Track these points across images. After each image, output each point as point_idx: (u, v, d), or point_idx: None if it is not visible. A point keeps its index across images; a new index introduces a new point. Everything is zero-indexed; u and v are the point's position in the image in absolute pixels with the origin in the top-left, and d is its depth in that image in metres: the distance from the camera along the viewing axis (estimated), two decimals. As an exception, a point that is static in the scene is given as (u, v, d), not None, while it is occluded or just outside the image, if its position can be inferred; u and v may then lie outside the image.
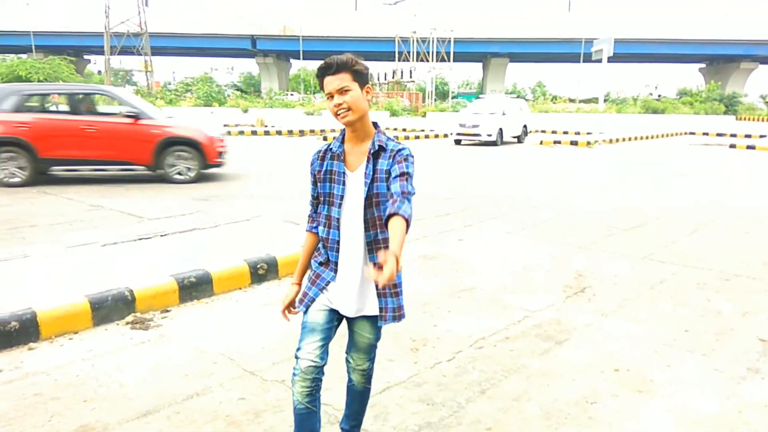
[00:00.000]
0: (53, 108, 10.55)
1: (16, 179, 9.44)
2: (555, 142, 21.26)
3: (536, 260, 5.74)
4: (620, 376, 3.38)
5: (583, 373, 3.41)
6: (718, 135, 26.13)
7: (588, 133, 25.17)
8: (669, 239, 6.66)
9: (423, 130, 25.61)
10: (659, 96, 56.30)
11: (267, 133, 23.22)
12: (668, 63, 79.47)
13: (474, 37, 64.18)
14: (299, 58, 69.67)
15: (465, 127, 20.14)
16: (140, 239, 5.86)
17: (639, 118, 38.55)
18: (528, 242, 6.48)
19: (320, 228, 2.26)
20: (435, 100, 53.68)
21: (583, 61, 49.62)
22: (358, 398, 2.53)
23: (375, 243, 2.19)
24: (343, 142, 2.22)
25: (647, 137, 25.03)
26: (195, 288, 4.50)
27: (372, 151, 2.16)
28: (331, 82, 2.08)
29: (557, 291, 4.83)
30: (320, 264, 2.29)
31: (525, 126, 22.06)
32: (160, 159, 9.93)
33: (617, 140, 22.76)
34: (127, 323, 4.03)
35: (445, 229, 7.01)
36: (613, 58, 29.09)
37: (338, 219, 2.19)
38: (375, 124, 2.23)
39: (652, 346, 3.78)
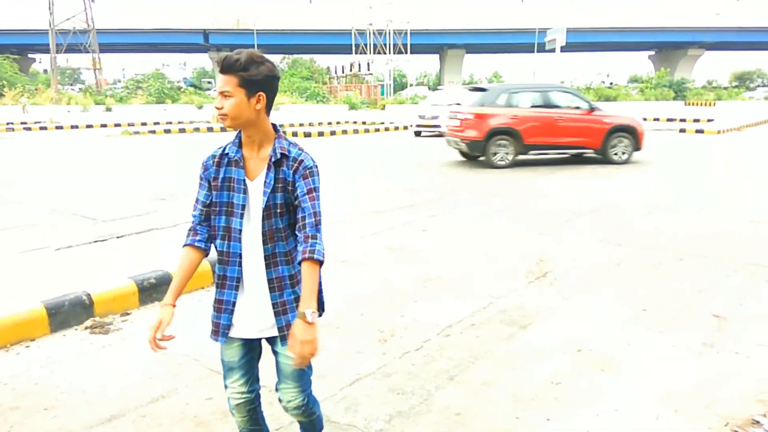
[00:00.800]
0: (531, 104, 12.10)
1: (503, 162, 11.73)
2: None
3: (499, 247, 5.83)
4: (583, 356, 3.47)
5: (548, 355, 3.49)
6: (669, 120, 26.97)
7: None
8: (624, 222, 6.86)
9: (383, 123, 25.62)
10: (611, 83, 57.84)
11: (223, 129, 22.83)
12: (619, 51, 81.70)
13: (430, 29, 64.51)
14: (254, 53, 68.41)
15: (425, 119, 20.23)
16: (96, 242, 5.69)
17: (592, 106, 39.48)
18: (490, 229, 6.57)
19: (217, 241, 2.03)
20: (395, 91, 53.79)
21: (538, 51, 50.45)
22: (308, 429, 2.30)
23: (273, 257, 1.99)
24: (240, 146, 2.00)
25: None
26: (155, 289, 4.39)
27: (273, 159, 1.96)
28: (220, 82, 1.89)
29: (520, 276, 4.92)
30: (218, 285, 2.06)
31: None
32: (607, 144, 12.07)
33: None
34: (86, 328, 3.91)
35: (409, 220, 7.04)
36: (567, 48, 29.67)
37: (239, 230, 1.98)
38: (275, 127, 2.02)
39: (612, 327, 3.89)
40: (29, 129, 23.55)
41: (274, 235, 1.98)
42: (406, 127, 23.27)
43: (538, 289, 4.64)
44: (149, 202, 7.90)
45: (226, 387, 2.14)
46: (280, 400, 2.14)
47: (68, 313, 3.91)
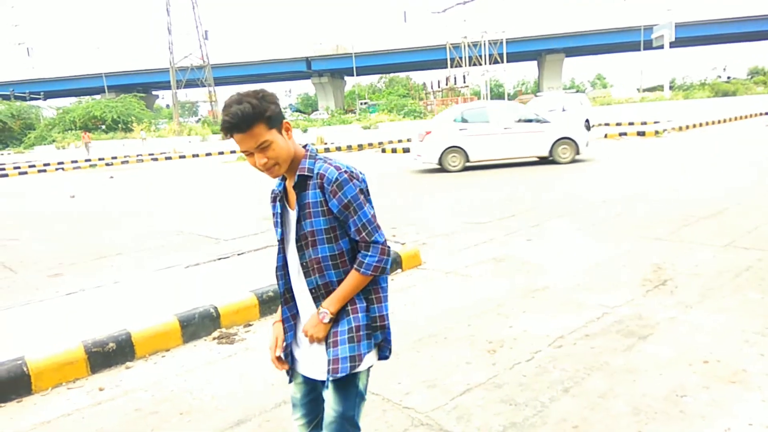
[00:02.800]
0: None
1: None
2: (620, 134, 20.56)
3: (610, 256, 5.59)
4: (710, 368, 3.25)
5: (670, 367, 3.30)
6: (798, 113, 24.47)
7: (655, 122, 24.18)
8: (751, 225, 6.32)
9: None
10: (729, 78, 53.41)
11: (327, 150, 23.72)
12: (736, 43, 75.22)
13: (527, 36, 63.21)
14: (353, 75, 70.83)
15: (524, 128, 19.83)
16: (219, 259, 6.15)
17: (708, 103, 36.73)
18: (600, 238, 6.32)
19: (279, 281, 1.97)
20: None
21: (644, 49, 47.80)
22: None
23: (317, 290, 1.86)
24: (284, 179, 1.92)
25: (719, 121, 23.80)
26: (274, 302, 4.67)
27: (294, 183, 1.83)
28: (245, 140, 1.73)
29: (636, 285, 4.69)
30: (284, 320, 1.99)
31: (587, 120, 21.46)
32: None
33: (687, 127, 21.76)
34: (214, 338, 4.24)
35: (511, 230, 6.94)
36: (676, 43, 27.87)
37: (283, 265, 1.94)
38: (305, 147, 1.89)
39: (741, 336, 3.61)
40: (156, 159, 25.82)
41: (314, 266, 1.83)
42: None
43: (656, 298, 4.40)
44: (264, 221, 8.40)
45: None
46: None
47: (198, 325, 4.27)
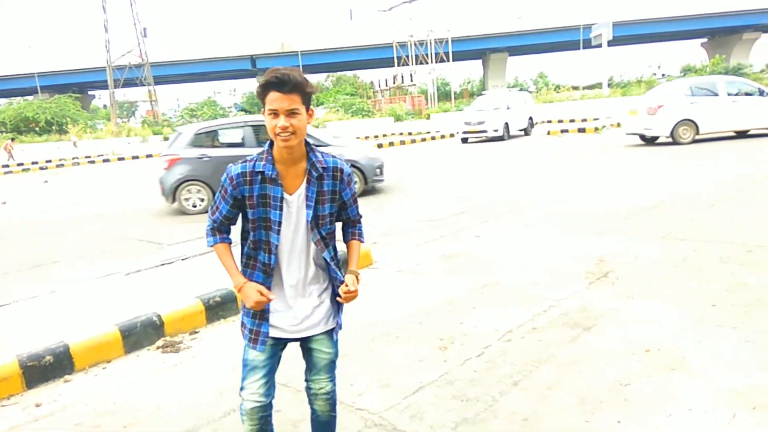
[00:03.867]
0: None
1: None
2: (562, 131, 21.18)
3: (557, 250, 5.73)
4: (652, 356, 3.37)
5: (614, 357, 3.40)
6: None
7: (595, 119, 25.03)
8: (688, 216, 6.61)
9: (429, 132, 25.66)
10: (663, 75, 55.86)
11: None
12: (669, 41, 78.70)
13: (471, 35, 64.14)
14: (300, 73, 69.89)
15: (470, 125, 20.15)
16: (163, 265, 5.95)
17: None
18: (546, 233, 6.47)
19: (260, 254, 2.13)
20: (439, 100, 53.80)
21: (584, 48, 49.31)
22: (323, 429, 2.41)
23: (319, 265, 2.20)
24: (273, 163, 2.07)
25: (655, 117, 24.79)
26: (221, 307, 4.56)
27: (315, 174, 2.09)
28: (281, 100, 1.93)
29: (580, 278, 4.82)
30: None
31: (531, 118, 22.02)
32: None
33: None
34: (158, 348, 4.09)
35: (461, 227, 7.02)
36: (614, 42, 28.91)
37: (276, 245, 2.10)
38: (305, 142, 2.11)
39: (681, 325, 3.76)
40: (93, 162, 24.83)
41: (321, 243, 2.14)
42: (452, 135, 23.22)
43: (599, 290, 4.53)
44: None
45: (242, 392, 2.21)
46: (309, 389, 2.32)
47: (141, 334, 4.11)
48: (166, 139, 37.55)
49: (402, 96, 50.45)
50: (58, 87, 59.30)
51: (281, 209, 2.06)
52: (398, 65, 57.20)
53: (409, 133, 26.76)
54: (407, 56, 56.53)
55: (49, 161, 25.30)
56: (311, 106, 2.05)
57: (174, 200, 9.56)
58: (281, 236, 2.10)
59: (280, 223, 2.08)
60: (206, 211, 10.36)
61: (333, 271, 2.21)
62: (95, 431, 3.06)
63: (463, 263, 5.54)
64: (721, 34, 70.02)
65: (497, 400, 3.04)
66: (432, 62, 55.48)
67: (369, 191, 10.11)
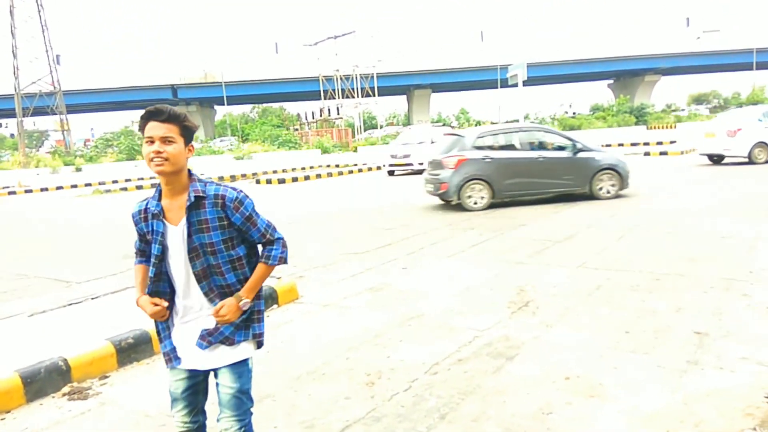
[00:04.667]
0: None
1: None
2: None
3: (479, 280, 5.84)
4: (571, 383, 3.46)
5: (536, 385, 3.47)
6: (633, 145, 27.71)
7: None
8: (600, 247, 6.96)
9: (356, 164, 25.84)
10: (574, 113, 59.37)
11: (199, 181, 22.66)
12: (579, 82, 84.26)
13: (396, 71, 65.91)
14: (223, 104, 69.02)
15: (396, 158, 20.48)
16: (70, 304, 5.55)
17: (558, 136, 40.34)
18: (470, 264, 6.60)
19: (159, 284, 2.20)
20: (365, 131, 54.48)
21: (501, 87, 51.73)
22: None
23: (210, 292, 2.18)
24: (159, 198, 2.17)
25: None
26: (134, 349, 4.28)
27: (189, 203, 2.11)
28: (157, 128, 2.03)
29: (502, 308, 4.93)
30: (161, 317, 2.23)
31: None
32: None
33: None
34: (64, 395, 3.78)
35: (388, 259, 7.04)
36: (528, 82, 30.48)
37: (168, 274, 2.19)
38: (189, 173, 2.18)
39: (597, 351, 3.90)
40: (-4, 194, 23.15)
41: (208, 272, 2.15)
42: (379, 167, 23.49)
43: (521, 319, 4.65)
44: (122, 260, 7.77)
45: (173, 418, 2.30)
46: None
47: (45, 381, 3.78)
48: (78, 170, 35.70)
49: (329, 129, 50.72)
50: (-42, 114, 55.28)
51: (161, 243, 2.14)
52: (325, 98, 57.65)
53: (336, 165, 26.84)
54: (333, 90, 57.15)
55: (-54, 193, 23.34)
56: (192, 143, 2.16)
57: (459, 198, 10.61)
58: (171, 267, 2.17)
59: (157, 257, 2.15)
60: (486, 208, 10.72)
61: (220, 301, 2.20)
62: (-14, 493, 2.76)
63: (389, 296, 5.54)
64: (626, 76, 75.80)
65: (424, 435, 3.01)
66: (358, 96, 56.37)
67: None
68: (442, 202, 11.59)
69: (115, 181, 24.96)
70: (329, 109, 57.88)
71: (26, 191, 24.12)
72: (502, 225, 8.97)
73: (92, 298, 5.75)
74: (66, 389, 3.83)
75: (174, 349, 2.22)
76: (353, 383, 3.68)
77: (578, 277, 5.71)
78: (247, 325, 2.24)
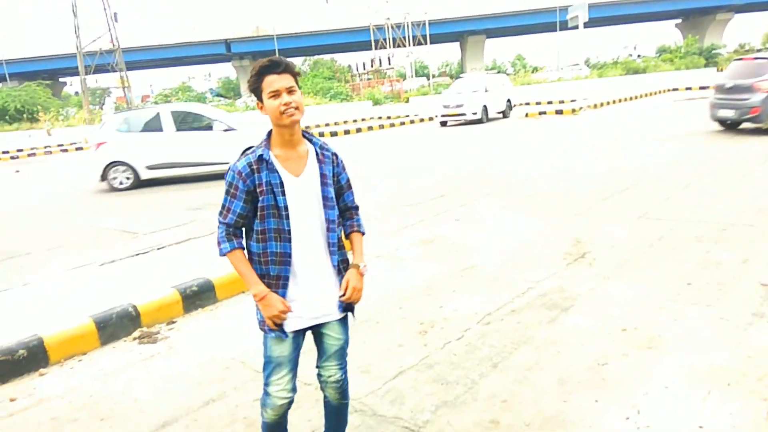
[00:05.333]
0: None
1: None
2: (540, 113, 21.27)
3: (534, 232, 5.76)
4: (628, 335, 3.41)
5: (592, 337, 3.44)
6: (701, 88, 26.17)
7: (572, 101, 25.18)
8: (663, 197, 6.69)
9: (408, 116, 25.57)
10: (639, 56, 56.29)
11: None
12: (644, 22, 79.25)
13: (449, 18, 63.90)
14: (276, 57, 68.91)
15: (449, 108, 20.10)
16: (138, 254, 5.85)
17: (621, 80, 38.48)
18: (525, 215, 6.50)
19: (270, 243, 2.09)
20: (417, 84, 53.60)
21: (560, 30, 49.42)
22: (334, 415, 2.40)
23: (329, 246, 2.15)
24: (270, 149, 2.10)
25: (631, 98, 25.07)
26: (198, 297, 4.50)
27: (318, 155, 2.14)
28: (280, 80, 2.01)
29: (558, 260, 4.86)
30: (271, 287, 2.12)
31: (509, 100, 22.05)
32: None
33: (601, 104, 22.78)
34: (135, 339, 4.03)
35: (441, 211, 7.01)
36: (590, 23, 28.97)
37: (288, 230, 2.08)
38: None
39: (656, 303, 3.81)
40: (66, 150, 24.30)
41: (329, 226, 2.14)
42: (431, 118, 23.17)
43: (577, 271, 4.57)
44: (186, 212, 8.07)
45: (267, 387, 2.20)
46: (320, 377, 2.30)
47: (116, 326, 4.04)
48: (140, 126, 36.90)
49: (380, 80, 50.12)
50: (27, 74, 57.76)
51: (284, 194, 2.06)
52: (376, 48, 56.73)
53: (388, 117, 26.64)
54: (384, 39, 56.08)
55: (21, 150, 24.67)
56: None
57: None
58: (291, 221, 2.08)
59: (286, 207, 2.07)
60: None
61: (337, 257, 2.20)
62: (72, 425, 3.01)
63: (442, 248, 5.54)
64: (695, 14, 70.67)
65: (477, 382, 3.05)
66: (410, 45, 55.15)
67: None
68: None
69: (174, 136, 25.69)
70: (380, 60, 57.04)
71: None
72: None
73: (158, 249, 6.03)
74: (136, 333, 4.08)
75: (283, 323, 2.14)
76: (406, 332, 3.75)
77: (639, 229, 5.53)
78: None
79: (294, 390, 2.23)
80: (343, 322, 2.26)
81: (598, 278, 4.36)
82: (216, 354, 3.69)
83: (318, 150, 2.14)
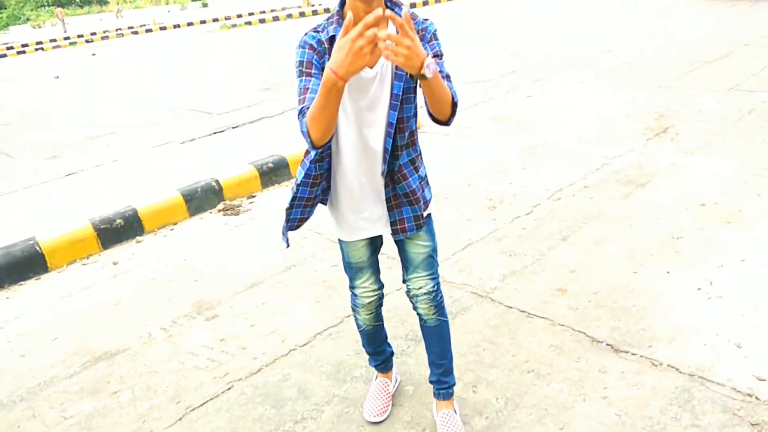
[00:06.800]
0: None
1: None
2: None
3: (613, 106, 5.49)
4: (707, 210, 3.32)
5: (668, 211, 3.37)
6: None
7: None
8: (757, 67, 6.13)
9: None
10: None
11: (315, 12, 22.44)
12: None
13: None
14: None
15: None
16: (215, 133, 6.07)
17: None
18: (603, 89, 6.17)
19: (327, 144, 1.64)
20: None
21: None
22: (435, 338, 2.03)
23: (395, 149, 1.72)
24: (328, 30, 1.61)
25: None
26: (274, 173, 4.69)
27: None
28: None
29: (638, 135, 4.66)
30: (306, 185, 1.78)
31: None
32: None
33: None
34: (219, 211, 4.31)
35: (511, 87, 6.76)
36: None
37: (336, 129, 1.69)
38: None
39: (740, 178, 3.65)
40: (136, 33, 24.63)
41: (399, 126, 1.69)
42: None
43: (657, 146, 4.38)
44: (256, 92, 8.17)
45: (353, 289, 2.04)
46: (408, 292, 1.97)
47: (202, 199, 4.32)
48: (205, 5, 36.53)
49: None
50: (91, -45, 57.34)
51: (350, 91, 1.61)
52: None
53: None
54: None
55: (94, 33, 25.22)
56: None
57: None
58: (348, 123, 1.68)
59: (349, 109, 1.65)
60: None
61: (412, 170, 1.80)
62: (170, 284, 3.35)
63: (513, 124, 5.41)
64: None
65: (545, 254, 3.11)
66: None
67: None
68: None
69: (239, 15, 25.35)
70: None
71: (161, 28, 25.34)
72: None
73: (233, 128, 6.22)
74: (220, 206, 4.36)
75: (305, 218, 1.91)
76: (475, 207, 3.80)
77: (728, 101, 5.16)
78: (427, 183, 1.89)
79: (381, 286, 2.05)
80: (428, 225, 1.89)
81: (680, 153, 4.18)
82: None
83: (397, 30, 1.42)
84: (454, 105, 1.59)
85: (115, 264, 3.70)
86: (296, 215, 1.88)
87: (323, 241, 3.61)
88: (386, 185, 1.77)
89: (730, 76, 5.93)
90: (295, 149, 4.89)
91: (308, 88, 1.58)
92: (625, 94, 5.85)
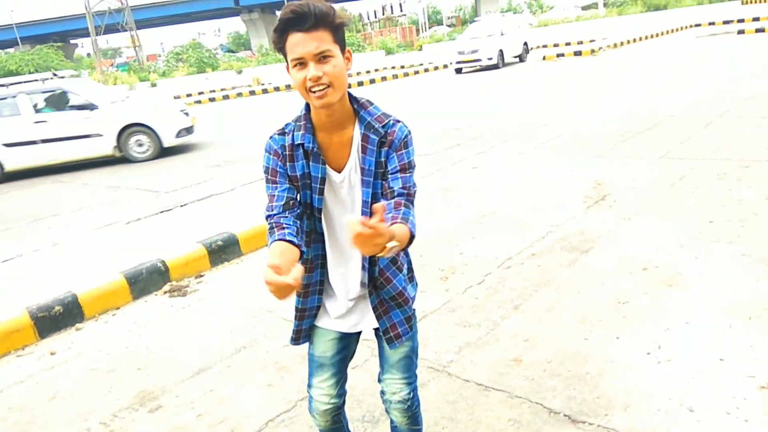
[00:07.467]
0: None
1: None
2: (558, 56, 20.71)
3: (553, 176, 5.73)
4: (649, 274, 3.43)
5: (612, 276, 3.47)
6: (725, 23, 25.15)
7: (591, 41, 24.43)
8: (684, 135, 6.57)
9: (421, 64, 25.09)
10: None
11: (265, 91, 22.95)
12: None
13: (461, -41, 61.71)
14: (286, 9, 67.50)
15: (464, 54, 19.66)
16: (162, 212, 5.96)
17: (641, 18, 37.16)
18: (542, 160, 6.45)
19: (314, 245, 1.68)
20: (429, 27, 52.30)
21: (577, -34, 47.55)
22: None
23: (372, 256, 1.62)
24: (313, 132, 1.57)
25: (652, 36, 24.23)
26: (223, 251, 4.61)
27: (376, 139, 1.56)
28: (305, 42, 1.41)
29: (578, 203, 4.85)
30: (298, 295, 1.71)
31: (525, 43, 21.46)
32: None
33: (621, 44, 22.08)
34: (165, 292, 4.17)
35: (457, 159, 6.99)
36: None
37: (322, 233, 1.67)
38: (350, 96, 1.58)
39: (677, 242, 3.81)
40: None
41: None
42: (446, 66, 22.72)
43: (597, 213, 4.56)
44: (205, 169, 8.15)
45: (309, 390, 1.83)
46: (382, 393, 1.84)
47: (147, 281, 4.17)
48: (153, 85, 36.80)
49: (392, 27, 49.01)
50: (38, 37, 57.60)
51: (322, 193, 1.60)
52: (387, -5, 55.26)
53: (402, 67, 26.16)
54: (396, -15, 54.55)
55: (38, 115, 24.88)
56: (347, 47, 1.51)
57: None
58: (325, 224, 1.66)
59: (320, 210, 1.62)
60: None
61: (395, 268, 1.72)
62: (111, 375, 3.16)
63: (460, 195, 5.56)
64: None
65: (498, 324, 3.12)
66: (422, -10, 53.62)
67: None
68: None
69: (188, 95, 25.61)
70: (392, 7, 55.65)
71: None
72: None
73: (181, 206, 6.13)
74: (167, 287, 4.22)
75: (311, 328, 1.78)
76: (428, 278, 3.81)
77: (660, 168, 5.47)
78: (412, 278, 1.82)
79: (340, 395, 1.83)
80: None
81: (619, 219, 4.36)
82: (244, 304, 3.80)
83: (372, 131, 1.56)
84: (412, 238, 1.49)
85: (52, 354, 3.49)
86: (293, 327, 1.78)
87: (275, 318, 3.52)
88: (370, 293, 1.70)
89: (659, 144, 6.32)
90: (246, 226, 4.84)
91: (274, 195, 1.58)
92: (562, 164, 6.13)
